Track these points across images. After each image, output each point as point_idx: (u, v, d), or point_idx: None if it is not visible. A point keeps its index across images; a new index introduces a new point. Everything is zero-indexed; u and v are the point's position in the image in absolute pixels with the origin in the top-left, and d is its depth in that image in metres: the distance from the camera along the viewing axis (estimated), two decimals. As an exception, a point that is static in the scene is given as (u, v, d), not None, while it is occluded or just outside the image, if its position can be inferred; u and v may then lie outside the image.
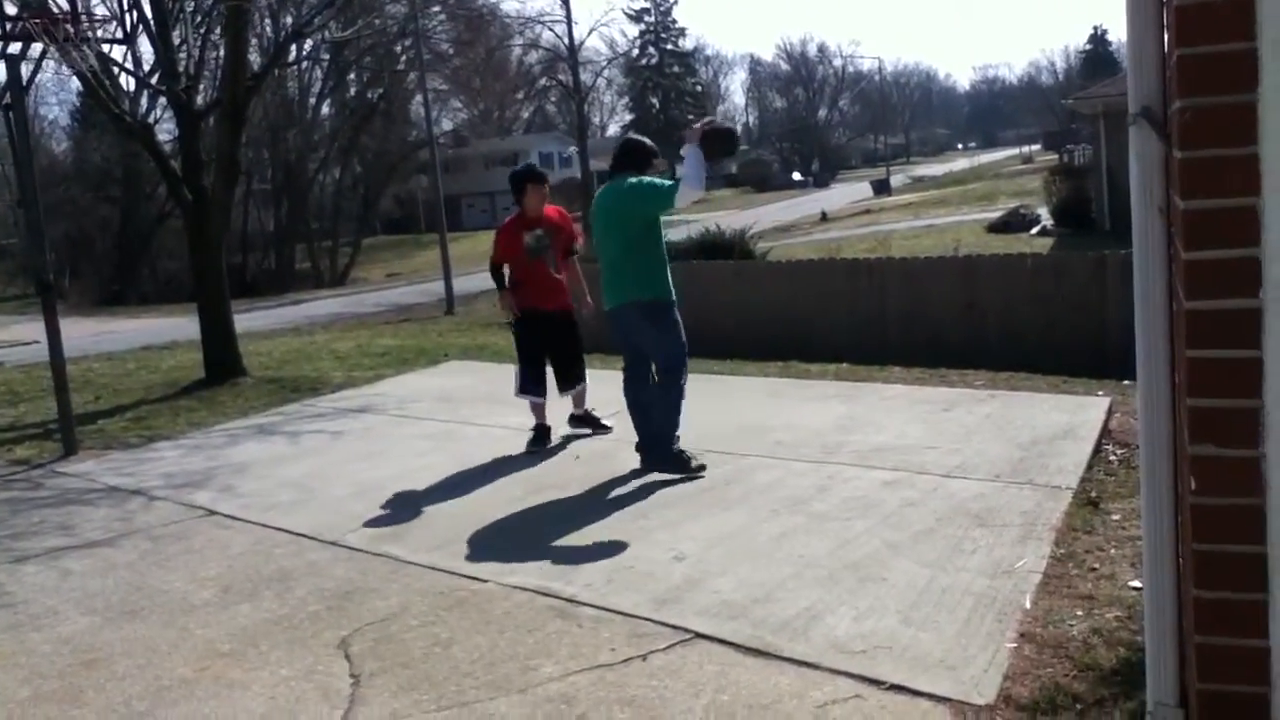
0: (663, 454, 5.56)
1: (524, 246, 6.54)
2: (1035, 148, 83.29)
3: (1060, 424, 5.99)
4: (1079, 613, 3.45)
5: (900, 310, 10.30)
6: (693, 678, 3.23)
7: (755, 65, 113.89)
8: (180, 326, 16.66)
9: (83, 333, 18.19)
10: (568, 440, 6.68)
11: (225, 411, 8.74)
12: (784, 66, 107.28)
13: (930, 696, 2.95)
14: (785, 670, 3.21)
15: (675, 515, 4.88)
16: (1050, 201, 26.65)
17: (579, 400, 6.80)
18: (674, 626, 3.60)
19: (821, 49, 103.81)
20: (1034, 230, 25.71)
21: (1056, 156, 48.90)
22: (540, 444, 6.50)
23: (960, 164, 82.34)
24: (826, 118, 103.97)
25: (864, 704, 2.96)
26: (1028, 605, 3.53)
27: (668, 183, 5.50)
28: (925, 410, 6.65)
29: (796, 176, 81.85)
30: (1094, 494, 4.68)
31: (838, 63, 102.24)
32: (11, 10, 7.88)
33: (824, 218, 43.51)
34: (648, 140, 5.99)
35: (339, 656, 3.64)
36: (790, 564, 4.10)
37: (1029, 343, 9.31)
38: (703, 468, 5.52)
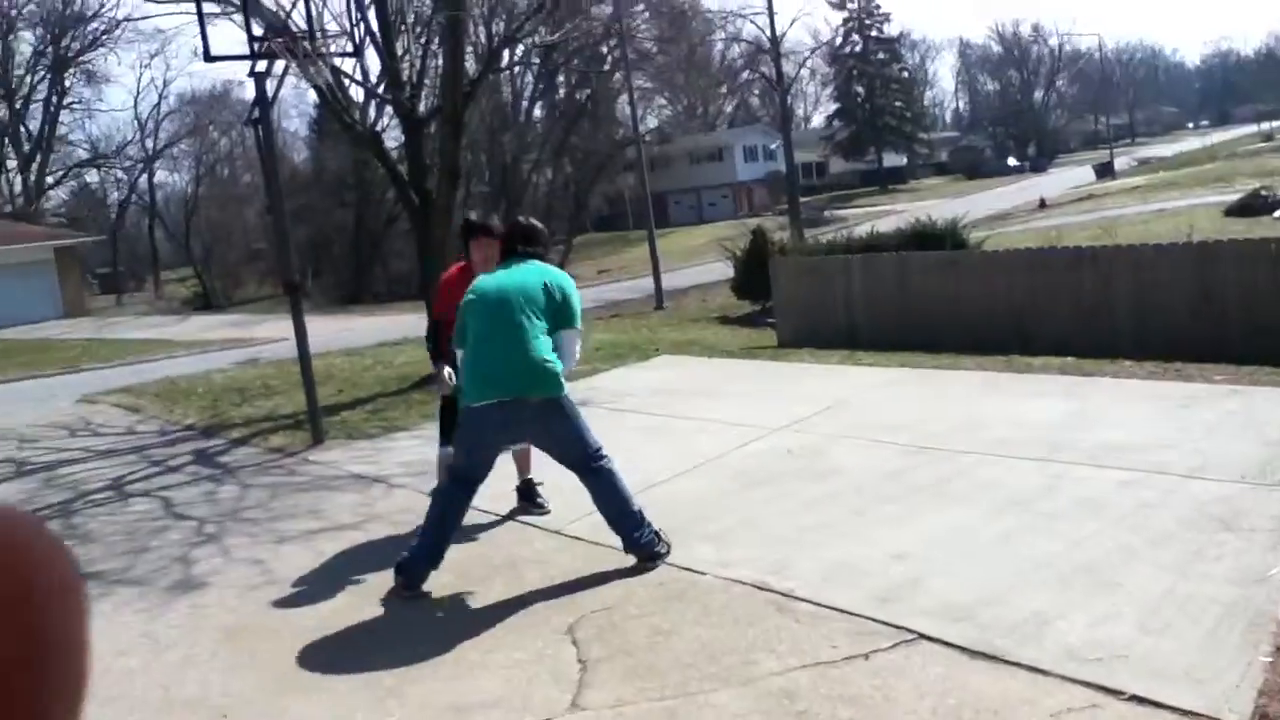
0: (642, 533, 4.58)
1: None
2: (1276, 124, 76.60)
3: (1316, 423, 5.55)
4: (1343, 627, 3.21)
5: (1129, 301, 9.72)
6: (917, 679, 3.20)
7: (965, 48, 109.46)
8: (410, 324, 17.59)
9: (324, 330, 19.47)
10: (771, 436, 6.67)
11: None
12: (996, 48, 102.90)
13: (1174, 710, 2.82)
14: (1015, 675, 3.14)
15: (894, 512, 4.82)
16: (1297, 180, 24.50)
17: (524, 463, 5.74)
18: (896, 626, 3.57)
19: (1036, 28, 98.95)
20: (1278, 213, 23.70)
21: (1305, 131, 44.82)
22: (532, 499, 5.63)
23: (1192, 143, 76.63)
24: (1043, 100, 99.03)
25: (1101, 714, 2.86)
26: (1283, 617, 3.31)
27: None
28: (1161, 406, 6.30)
29: (1011, 162, 78.42)
30: (1357, 499, 4.33)
31: (1054, 41, 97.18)
32: (258, 31, 8.52)
33: (1042, 204, 41.50)
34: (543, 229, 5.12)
35: (566, 642, 3.80)
36: (1017, 565, 3.99)
37: (1276, 336, 8.61)
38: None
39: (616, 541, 4.80)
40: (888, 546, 4.35)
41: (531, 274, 4.65)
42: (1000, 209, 41.36)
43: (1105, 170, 56.77)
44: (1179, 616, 3.38)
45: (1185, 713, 2.80)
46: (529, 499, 5.64)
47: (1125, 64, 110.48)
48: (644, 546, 4.51)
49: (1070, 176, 59.30)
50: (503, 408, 4.42)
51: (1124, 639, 3.27)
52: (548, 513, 5.50)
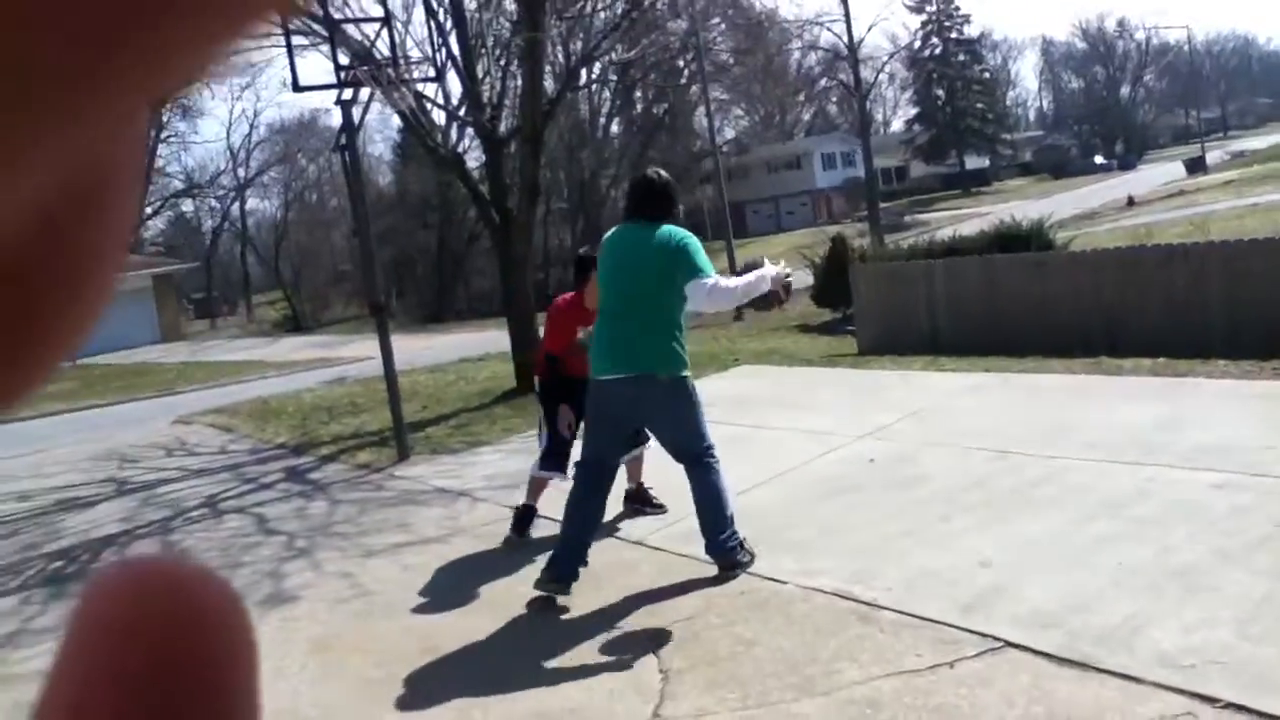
0: (728, 537, 4.54)
1: (576, 342, 5.45)
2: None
3: None
4: None
5: (1222, 298, 9.40)
6: (1004, 688, 3.14)
7: (1048, 46, 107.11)
8: (492, 340, 17.83)
9: (408, 348, 19.83)
10: (854, 444, 6.60)
11: (536, 419, 9.30)
12: (1080, 44, 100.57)
13: (1273, 718, 2.73)
14: (1106, 683, 3.06)
15: (980, 519, 4.74)
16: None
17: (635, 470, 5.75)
18: (982, 634, 3.51)
19: (1121, 23, 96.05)
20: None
21: None
22: (522, 529, 5.51)
23: (1290, 134, 73.97)
24: (1130, 95, 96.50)
25: (1196, 722, 2.78)
26: (1390, 622, 3.18)
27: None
28: (1258, 406, 6.09)
29: (1099, 160, 76.54)
30: None
31: (1140, 35, 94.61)
32: (344, 60, 8.75)
33: (1131, 202, 40.41)
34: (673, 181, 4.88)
35: (648, 652, 3.82)
36: (1108, 571, 3.89)
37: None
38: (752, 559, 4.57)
39: (699, 551, 4.81)
40: (973, 554, 4.28)
41: (646, 236, 4.46)
42: (1087, 208, 40.39)
43: (1196, 165, 55.04)
44: (1277, 622, 3.27)
45: (1285, 721, 2.71)
46: (642, 501, 5.69)
47: (1216, 55, 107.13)
48: (727, 552, 4.48)
49: (1160, 173, 57.64)
50: (625, 384, 4.41)
51: (1220, 645, 3.17)
52: (665, 510, 5.53)
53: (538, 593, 4.45)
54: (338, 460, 8.64)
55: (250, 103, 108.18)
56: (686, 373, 4.51)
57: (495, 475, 7.15)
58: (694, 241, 4.45)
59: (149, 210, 58.91)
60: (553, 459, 5.53)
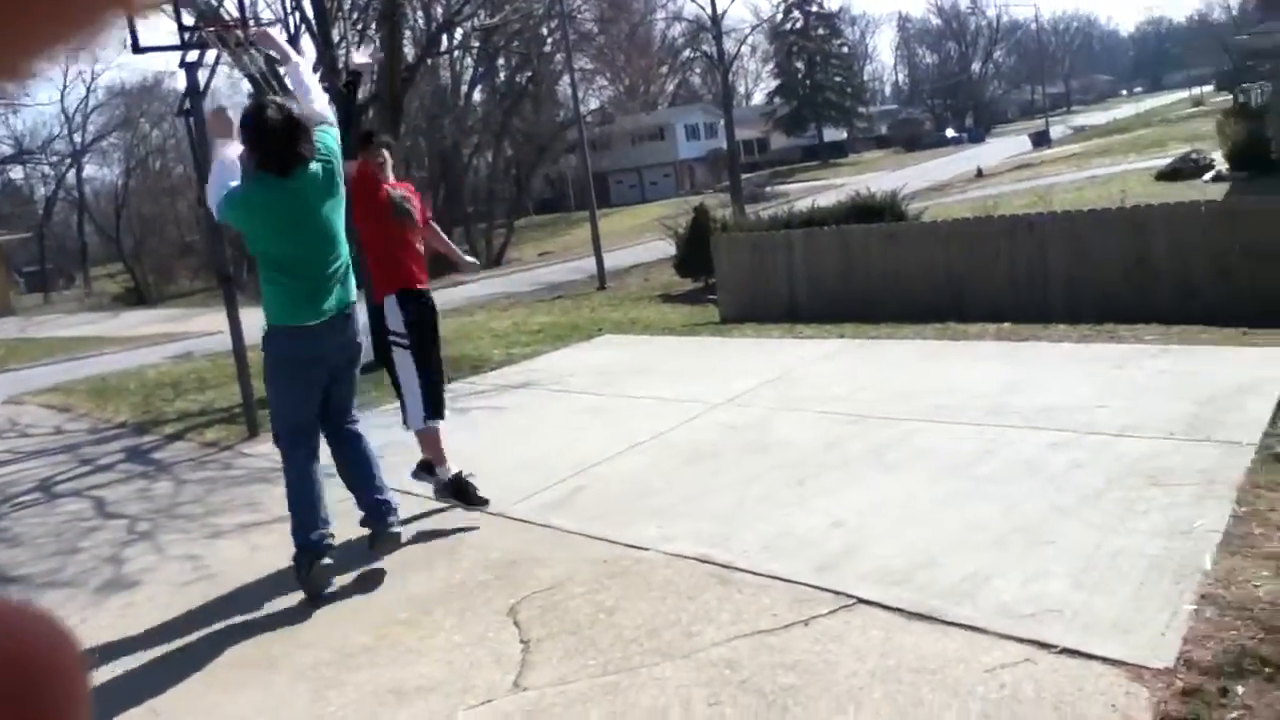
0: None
1: (389, 199, 5.02)
2: (1207, 89, 78.24)
3: (1241, 378, 5.66)
4: (1265, 573, 3.27)
5: (1064, 268, 9.87)
6: (857, 643, 3.22)
7: (904, 22, 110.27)
8: (349, 312, 17.42)
9: (258, 322, 19.13)
10: (713, 411, 6.67)
11: (392, 390, 9.09)
12: (935, 21, 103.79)
13: (1104, 660, 2.87)
14: (952, 635, 3.17)
15: (833, 481, 4.84)
16: (1225, 145, 25.03)
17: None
18: (836, 592, 3.59)
19: (974, 1, 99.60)
20: (1208, 176, 24.20)
21: (1231, 97, 45.72)
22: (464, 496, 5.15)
23: (1125, 111, 78.07)
24: (980, 71, 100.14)
25: (1035, 668, 2.90)
26: (1208, 566, 3.37)
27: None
28: (1093, 368, 6.39)
29: (950, 134, 79.28)
30: (1279, 449, 4.42)
31: (991, 13, 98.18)
32: (189, 21, 8.32)
33: (980, 174, 42.03)
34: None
35: (508, 623, 3.77)
36: (954, 529, 4.02)
37: (1205, 296, 8.80)
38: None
39: (560, 522, 4.79)
40: (828, 515, 4.37)
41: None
42: (939, 180, 41.80)
43: (1041, 139, 57.58)
44: (1109, 571, 3.44)
45: (1114, 662, 2.85)
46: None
47: (1061, 34, 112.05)
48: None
49: (1008, 146, 60.05)
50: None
51: (1057, 595, 3.32)
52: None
53: (382, 573, 4.40)
54: (183, 439, 8.27)
55: (87, 64, 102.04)
56: (270, 324, 4.33)
57: (352, 449, 6.95)
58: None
59: (-27, 177, 55.36)
60: (429, 405, 5.27)
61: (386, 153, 5.09)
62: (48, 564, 5.33)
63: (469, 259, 5.81)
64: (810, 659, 3.16)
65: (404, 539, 4.69)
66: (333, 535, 4.36)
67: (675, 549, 4.24)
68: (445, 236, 5.67)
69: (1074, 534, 3.80)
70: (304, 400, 4.38)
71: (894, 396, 6.32)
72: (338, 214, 4.30)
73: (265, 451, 7.32)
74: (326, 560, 4.29)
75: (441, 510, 5.29)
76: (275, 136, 4.03)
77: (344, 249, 4.35)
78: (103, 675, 3.81)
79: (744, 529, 4.36)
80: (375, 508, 4.49)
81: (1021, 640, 3.05)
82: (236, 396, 8.58)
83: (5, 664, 0.21)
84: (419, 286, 5.07)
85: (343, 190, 4.36)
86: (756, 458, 5.42)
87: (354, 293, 4.44)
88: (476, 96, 52.34)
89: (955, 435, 5.30)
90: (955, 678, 2.91)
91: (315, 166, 4.15)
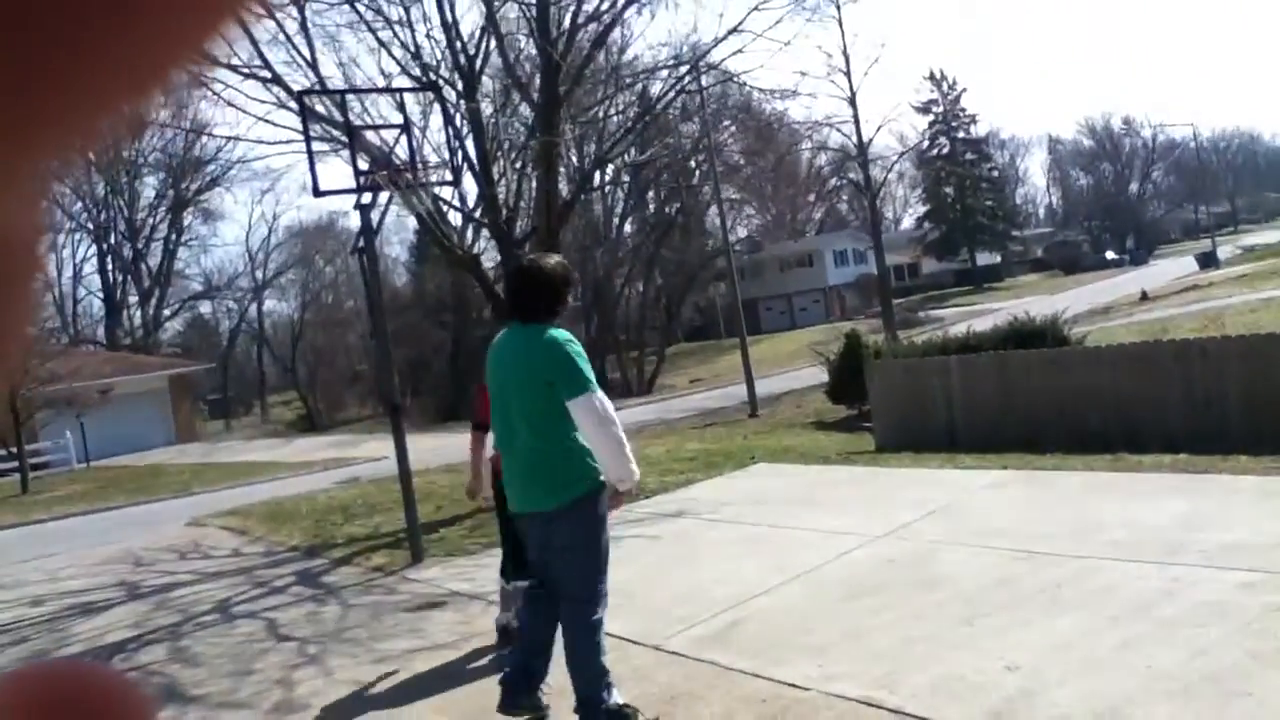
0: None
1: None
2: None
3: None
4: None
5: (1242, 394, 9.34)
6: (1037, 798, 3.03)
7: (1055, 144, 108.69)
8: (505, 439, 17.85)
9: (423, 447, 19.83)
10: (873, 544, 6.50)
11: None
12: (1086, 142, 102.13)
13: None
14: (1142, 794, 2.95)
15: (1004, 622, 4.63)
16: None
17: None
18: (1012, 742, 3.40)
19: (1127, 120, 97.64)
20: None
21: None
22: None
23: (1298, 229, 74.45)
24: (1139, 191, 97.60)
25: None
26: None
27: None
28: (1283, 504, 5.98)
29: (1110, 255, 77.03)
30: None
31: (1146, 133, 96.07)
32: (363, 165, 8.92)
33: (1144, 297, 40.50)
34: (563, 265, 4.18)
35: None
36: (1137, 676, 3.78)
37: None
38: None
39: (717, 657, 4.71)
40: (1000, 658, 4.17)
41: (524, 350, 3.90)
42: (1101, 303, 40.50)
43: (1208, 260, 55.27)
44: (1320, 729, 3.16)
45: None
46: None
47: (1222, 151, 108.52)
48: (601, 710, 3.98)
49: (1172, 268, 57.91)
50: (529, 521, 4.00)
51: (1260, 754, 3.06)
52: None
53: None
54: (351, 563, 8.56)
55: (270, 206, 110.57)
56: (585, 490, 3.92)
57: (511, 578, 7.05)
58: (575, 347, 3.87)
59: (167, 312, 59.81)
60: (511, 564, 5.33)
61: None
62: (223, 684, 5.53)
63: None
64: (988, 815, 2.98)
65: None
66: None
67: (838, 689, 4.11)
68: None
69: (1273, 685, 3.51)
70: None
71: (1064, 531, 6.04)
72: None
73: (429, 577, 7.50)
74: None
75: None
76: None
77: None
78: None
79: (910, 671, 4.19)
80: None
81: (1223, 804, 2.82)
82: (401, 522, 8.84)
83: None
84: None
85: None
86: (921, 594, 5.24)
87: None
88: (627, 228, 53.95)
89: (1135, 574, 5.02)
90: (1151, 843, 2.70)
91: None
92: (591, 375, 3.82)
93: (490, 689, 4.82)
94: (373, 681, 5.23)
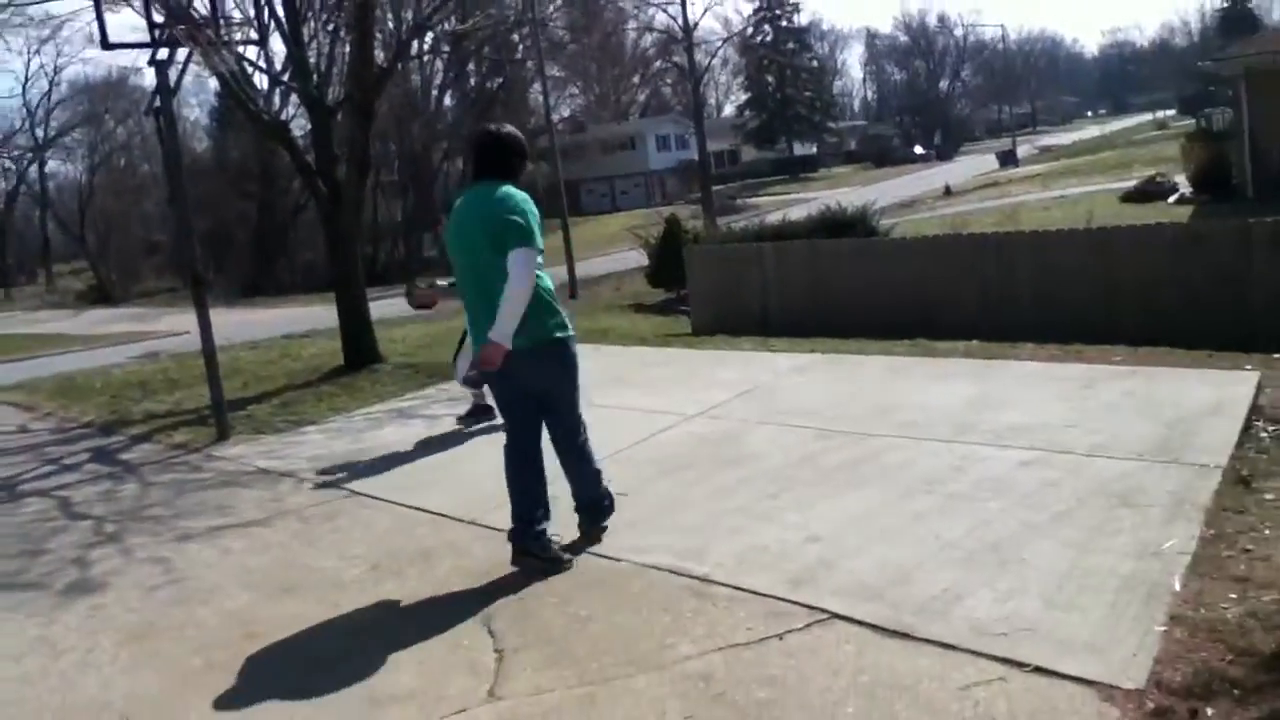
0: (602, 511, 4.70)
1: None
2: (1170, 113, 79.63)
3: (1207, 400, 5.76)
4: (1233, 595, 3.33)
5: (1031, 287, 9.99)
6: (830, 658, 3.24)
7: (873, 38, 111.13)
8: (317, 315, 17.30)
9: (227, 322, 19.01)
10: (686, 423, 6.69)
11: (364, 397, 9.06)
12: (902, 38, 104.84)
13: (1076, 680, 2.91)
14: (925, 651, 3.20)
15: (806, 495, 4.87)
16: (1188, 168, 25.49)
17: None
18: (810, 607, 3.61)
19: (941, 19, 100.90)
20: (1171, 199, 24.64)
21: (1193, 121, 46.53)
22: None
23: (1090, 132, 79.17)
24: (948, 89, 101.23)
25: (1008, 686, 2.93)
26: (1177, 587, 3.43)
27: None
28: (1062, 388, 6.47)
29: (918, 150, 79.97)
30: (1245, 472, 4.50)
31: (959, 32, 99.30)
32: (159, 19, 8.25)
33: (948, 192, 42.45)
34: (518, 135, 4.56)
35: (482, 632, 3.77)
36: (926, 545, 4.06)
37: (1169, 318, 8.94)
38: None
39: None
40: (802, 529, 4.39)
41: (487, 201, 4.22)
42: (908, 196, 42.15)
43: (1008, 158, 58.21)
44: (1080, 591, 3.49)
45: (1086, 682, 2.89)
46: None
47: (1027, 54, 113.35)
48: (605, 508, 4.66)
49: (975, 164, 60.66)
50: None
51: (1029, 613, 3.36)
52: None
53: (354, 580, 4.31)
54: (151, 440, 8.19)
55: (51, 57, 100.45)
56: (559, 335, 4.42)
57: (320, 456, 6.92)
58: (530, 206, 4.22)
59: (-68, 170, 54.45)
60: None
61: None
62: (12, 564, 5.25)
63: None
64: (784, 673, 3.17)
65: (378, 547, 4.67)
66: None
67: (649, 560, 4.25)
68: None
69: (1046, 553, 3.84)
70: None
71: (866, 412, 6.36)
72: None
73: (236, 454, 7.27)
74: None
75: (413, 515, 5.27)
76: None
77: None
78: (68, 679, 3.77)
79: (718, 542, 4.37)
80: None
81: (994, 658, 3.09)
82: (205, 398, 8.50)
83: None
84: None
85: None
86: (730, 470, 5.44)
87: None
88: (447, 101, 52.22)
89: (927, 452, 5.35)
90: (929, 695, 2.94)
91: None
92: (538, 235, 4.18)
93: (303, 562, 4.77)
94: (173, 558, 5.07)
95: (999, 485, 4.68)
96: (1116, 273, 9.57)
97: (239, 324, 19.65)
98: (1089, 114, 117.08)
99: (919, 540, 4.12)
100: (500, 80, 48.67)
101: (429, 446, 6.88)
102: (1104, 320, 9.07)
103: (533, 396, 4.48)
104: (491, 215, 4.16)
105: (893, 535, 4.22)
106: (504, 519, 4.95)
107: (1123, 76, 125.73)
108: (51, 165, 59.76)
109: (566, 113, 62.05)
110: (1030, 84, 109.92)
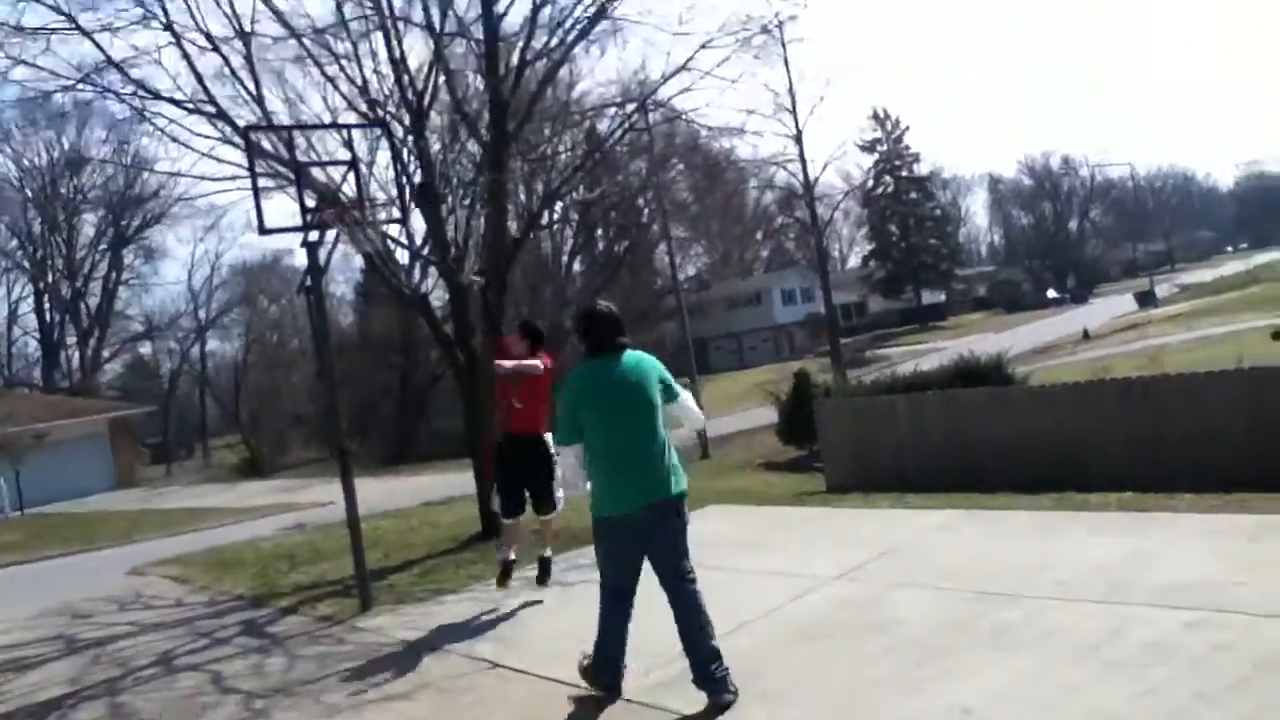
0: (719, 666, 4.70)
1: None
2: (1316, 244, 76.47)
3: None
4: None
5: (1182, 432, 9.52)
6: None
7: (996, 183, 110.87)
8: (454, 482, 17.64)
9: (370, 491, 19.54)
10: (825, 586, 6.50)
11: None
12: (1027, 181, 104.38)
13: None
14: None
15: (954, 664, 4.65)
16: (1344, 299, 24.27)
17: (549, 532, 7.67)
18: (966, 789, 3.40)
19: (1065, 160, 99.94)
20: (1325, 333, 23.43)
21: (1348, 249, 44.53)
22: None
23: (1232, 267, 76.49)
24: (1077, 230, 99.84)
25: None
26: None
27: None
28: (1226, 541, 6.10)
29: (1051, 294, 78.55)
30: None
31: (1084, 172, 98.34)
32: (310, 203, 8.81)
33: (1086, 336, 41.38)
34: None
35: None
36: (1086, 717, 3.80)
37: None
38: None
39: (672, 703, 4.66)
40: (951, 700, 4.18)
41: (636, 366, 4.87)
42: (1043, 342, 41.25)
43: (1147, 298, 56.62)
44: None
45: None
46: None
47: (1158, 191, 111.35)
48: (718, 682, 4.58)
49: (1112, 306, 59.16)
50: (655, 510, 4.75)
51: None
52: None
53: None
54: (298, 612, 8.38)
55: (213, 244, 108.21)
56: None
57: (462, 626, 6.95)
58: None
59: (106, 353, 58.58)
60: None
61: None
62: (164, 743, 5.37)
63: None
64: None
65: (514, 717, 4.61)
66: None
67: (794, 737, 4.09)
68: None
69: (1222, 727, 3.55)
70: None
71: (1013, 571, 6.10)
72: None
73: (378, 625, 7.37)
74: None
75: (553, 688, 5.22)
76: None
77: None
78: None
79: (863, 715, 4.19)
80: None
81: None
82: (348, 569, 8.70)
83: None
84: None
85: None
86: (873, 637, 5.25)
87: None
88: (576, 266, 53.98)
89: (1082, 614, 5.06)
90: None
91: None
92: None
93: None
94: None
95: (1163, 650, 4.38)
96: (1273, 413, 9.06)
97: (381, 493, 20.19)
98: (1229, 249, 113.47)
99: (1078, 712, 3.87)
100: (627, 243, 50.18)
101: (566, 614, 6.84)
102: (1265, 467, 8.55)
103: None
104: (657, 371, 4.89)
105: (1049, 707, 3.98)
106: (640, 691, 4.88)
107: (1263, 208, 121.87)
108: (211, 345, 63.65)
109: (692, 271, 63.31)
110: (1165, 221, 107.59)
